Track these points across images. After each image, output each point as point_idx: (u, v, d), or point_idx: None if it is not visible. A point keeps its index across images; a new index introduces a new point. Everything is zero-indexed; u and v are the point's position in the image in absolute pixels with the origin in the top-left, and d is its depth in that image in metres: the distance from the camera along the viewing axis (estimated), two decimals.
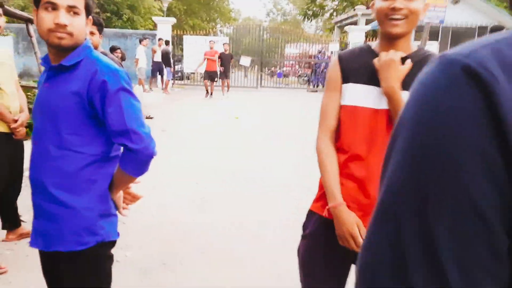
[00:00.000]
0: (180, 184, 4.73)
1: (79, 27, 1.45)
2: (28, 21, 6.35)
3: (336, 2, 26.60)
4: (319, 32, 38.02)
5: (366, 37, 16.94)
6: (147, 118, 8.77)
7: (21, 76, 15.29)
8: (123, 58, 8.53)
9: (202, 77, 15.26)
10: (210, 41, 14.04)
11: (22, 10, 19.74)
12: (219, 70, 13.89)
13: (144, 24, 19.86)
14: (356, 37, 16.47)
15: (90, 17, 1.52)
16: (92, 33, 2.95)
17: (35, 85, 7.02)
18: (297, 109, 11.56)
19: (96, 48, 2.95)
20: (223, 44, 14.15)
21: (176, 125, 8.42)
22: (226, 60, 13.62)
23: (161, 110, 10.19)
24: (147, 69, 14.10)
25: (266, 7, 59.38)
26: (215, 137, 7.27)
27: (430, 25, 14.92)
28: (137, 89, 10.67)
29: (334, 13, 26.31)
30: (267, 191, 4.55)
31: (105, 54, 2.88)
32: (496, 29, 7.15)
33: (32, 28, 6.14)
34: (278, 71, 27.92)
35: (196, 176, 5.00)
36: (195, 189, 4.56)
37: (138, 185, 1.72)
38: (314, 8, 26.99)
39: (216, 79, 13.57)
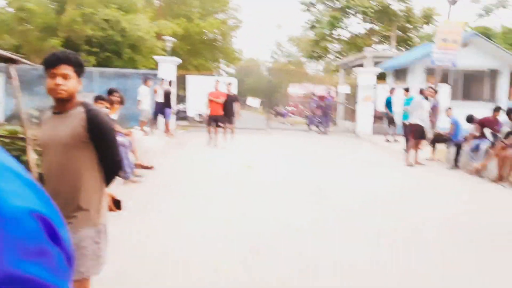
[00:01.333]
0: (193, 267, 3.65)
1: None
2: (10, 61, 5.20)
3: (340, 45, 26.41)
4: (320, 74, 37.90)
5: (382, 78, 16.29)
6: (147, 168, 7.78)
7: (9, 119, 14.44)
8: (121, 102, 7.65)
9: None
10: (216, 81, 12.19)
11: (16, 49, 19.22)
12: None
13: (146, 64, 19.27)
14: (366, 79, 15.81)
15: None
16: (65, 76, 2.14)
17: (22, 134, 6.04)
18: (316, 154, 10.62)
19: (72, 97, 2.13)
20: (227, 85, 12.32)
21: (181, 177, 7.40)
22: (228, 102, 11.94)
23: (164, 158, 9.22)
24: (150, 111, 13.26)
25: (270, 48, 59.98)
26: (226, 197, 6.24)
27: (442, 68, 14.33)
28: (137, 133, 9.74)
29: (339, 56, 26.05)
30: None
31: (86, 105, 2.20)
32: None
33: (13, 69, 5.11)
34: (283, 111, 27.34)
35: (210, 252, 3.93)
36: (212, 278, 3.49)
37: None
38: (318, 50, 26.77)
39: (222, 124, 11.78)
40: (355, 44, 23.45)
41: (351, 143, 13.93)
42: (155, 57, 16.43)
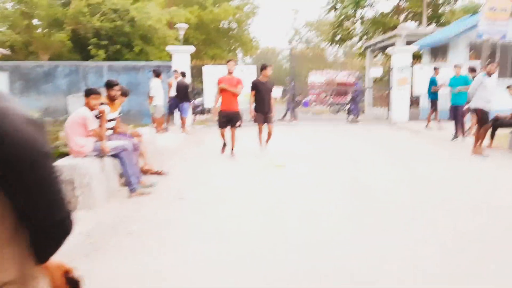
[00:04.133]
0: None
1: None
2: None
3: (364, 27, 24.64)
4: (342, 59, 36.09)
5: (417, 58, 14.63)
6: (159, 174, 6.51)
7: None
8: (125, 94, 6.38)
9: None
10: (228, 62, 8.12)
11: (25, 46, 18.22)
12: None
13: (159, 55, 18.05)
14: (401, 60, 14.17)
15: None
16: None
17: None
18: (352, 147, 9.18)
19: None
20: (264, 69, 8.11)
21: (199, 184, 6.08)
22: (265, 92, 7.99)
23: (180, 159, 7.94)
24: (164, 106, 12.01)
25: (288, 35, 58.02)
26: (258, 210, 4.90)
27: (489, 41, 12.61)
28: (149, 131, 8.47)
29: (364, 37, 24.25)
30: None
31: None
32: None
33: None
34: (304, 100, 25.80)
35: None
36: None
37: None
38: (341, 33, 25.07)
39: (238, 124, 8.23)
40: (381, 23, 21.68)
41: (387, 132, 12.40)
42: (168, 47, 15.15)
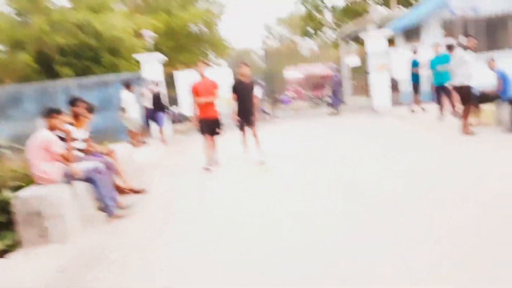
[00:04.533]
0: None
1: None
2: None
3: (335, 17, 24.46)
4: (317, 52, 35.90)
5: (390, 42, 14.40)
6: (137, 192, 6.05)
7: None
8: (91, 110, 5.91)
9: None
10: (198, 63, 7.36)
11: None
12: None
13: (129, 67, 17.46)
14: (376, 45, 13.91)
15: None
16: None
17: None
18: (336, 141, 8.87)
19: None
20: (241, 66, 7.34)
21: (184, 201, 5.65)
22: (246, 93, 7.19)
23: (161, 174, 7.48)
24: (138, 118, 11.50)
25: (260, 34, 57.50)
26: (250, 225, 4.51)
27: (462, 17, 12.47)
28: (125, 147, 7.99)
29: (336, 28, 24.06)
30: None
31: None
32: None
33: None
34: (283, 97, 25.50)
35: None
36: None
37: None
38: (312, 25, 24.86)
39: (220, 131, 7.42)
40: (352, 11, 21.50)
41: (371, 121, 12.13)
42: (136, 55, 14.60)
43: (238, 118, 7.27)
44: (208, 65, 7.41)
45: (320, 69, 24.00)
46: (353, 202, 4.54)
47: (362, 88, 19.88)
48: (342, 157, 7.08)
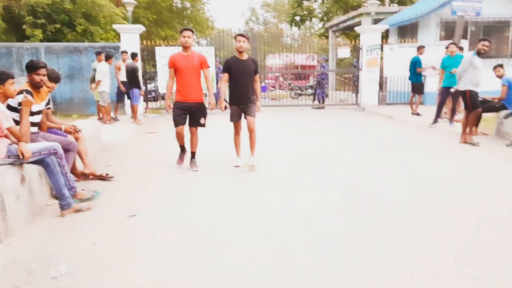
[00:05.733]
0: None
1: None
2: None
3: (325, 7, 23.70)
4: (298, 42, 35.10)
5: (383, 38, 13.80)
6: (102, 178, 5.21)
7: None
8: (55, 79, 4.99)
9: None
10: (182, 32, 5.51)
11: None
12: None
13: (105, 36, 16.24)
14: (370, 39, 13.28)
15: None
16: None
17: None
18: (323, 138, 8.21)
19: None
20: (237, 39, 5.46)
21: (154, 190, 4.85)
22: (243, 74, 5.55)
23: (130, 157, 6.63)
24: (111, 93, 10.55)
25: (244, 15, 56.11)
26: (238, 218, 3.77)
27: (464, 19, 11.95)
28: (92, 123, 7.09)
29: (325, 18, 23.34)
30: None
31: None
32: None
33: None
34: (263, 85, 24.72)
35: None
36: None
37: None
38: (301, 14, 24.04)
39: (203, 122, 5.70)
40: (343, 2, 20.79)
41: (358, 118, 11.55)
42: (115, 26, 13.47)
43: (231, 106, 5.62)
44: (194, 35, 5.88)
45: (304, 59, 23.30)
46: (356, 207, 3.88)
47: (346, 83, 19.36)
48: (333, 155, 6.42)
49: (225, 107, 5.84)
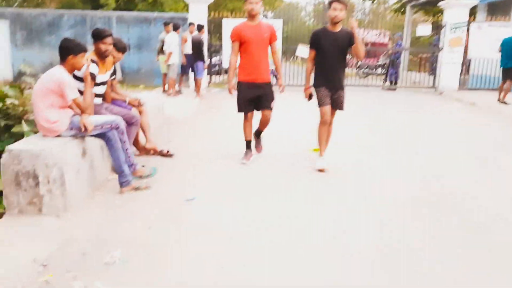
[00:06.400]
0: None
1: None
2: None
3: None
4: (368, 17, 33.25)
5: (471, 15, 12.44)
6: (162, 154, 5.06)
7: (17, 77, 12.02)
8: (122, 49, 4.79)
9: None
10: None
11: None
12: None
13: (174, 7, 16.21)
14: (456, 16, 12.02)
15: None
16: None
17: None
18: (399, 125, 7.55)
19: None
20: (333, 6, 4.30)
21: (215, 169, 4.58)
22: (334, 47, 4.45)
23: (190, 135, 6.43)
24: (177, 65, 10.41)
25: None
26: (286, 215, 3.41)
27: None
28: (157, 96, 6.97)
29: None
30: None
31: None
32: None
33: None
34: None
35: None
36: None
37: None
38: None
39: (272, 104, 4.81)
40: None
41: (436, 103, 10.57)
42: None
43: (319, 88, 4.57)
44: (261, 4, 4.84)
45: (374, 35, 21.97)
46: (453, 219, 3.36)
47: (420, 64, 18.00)
48: (418, 149, 5.82)
49: (310, 96, 4.71)
